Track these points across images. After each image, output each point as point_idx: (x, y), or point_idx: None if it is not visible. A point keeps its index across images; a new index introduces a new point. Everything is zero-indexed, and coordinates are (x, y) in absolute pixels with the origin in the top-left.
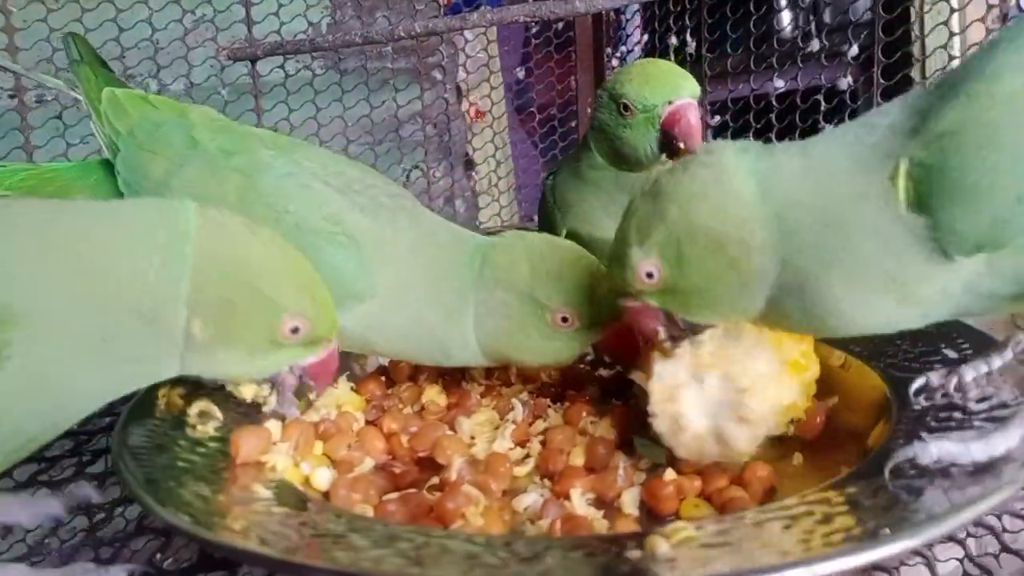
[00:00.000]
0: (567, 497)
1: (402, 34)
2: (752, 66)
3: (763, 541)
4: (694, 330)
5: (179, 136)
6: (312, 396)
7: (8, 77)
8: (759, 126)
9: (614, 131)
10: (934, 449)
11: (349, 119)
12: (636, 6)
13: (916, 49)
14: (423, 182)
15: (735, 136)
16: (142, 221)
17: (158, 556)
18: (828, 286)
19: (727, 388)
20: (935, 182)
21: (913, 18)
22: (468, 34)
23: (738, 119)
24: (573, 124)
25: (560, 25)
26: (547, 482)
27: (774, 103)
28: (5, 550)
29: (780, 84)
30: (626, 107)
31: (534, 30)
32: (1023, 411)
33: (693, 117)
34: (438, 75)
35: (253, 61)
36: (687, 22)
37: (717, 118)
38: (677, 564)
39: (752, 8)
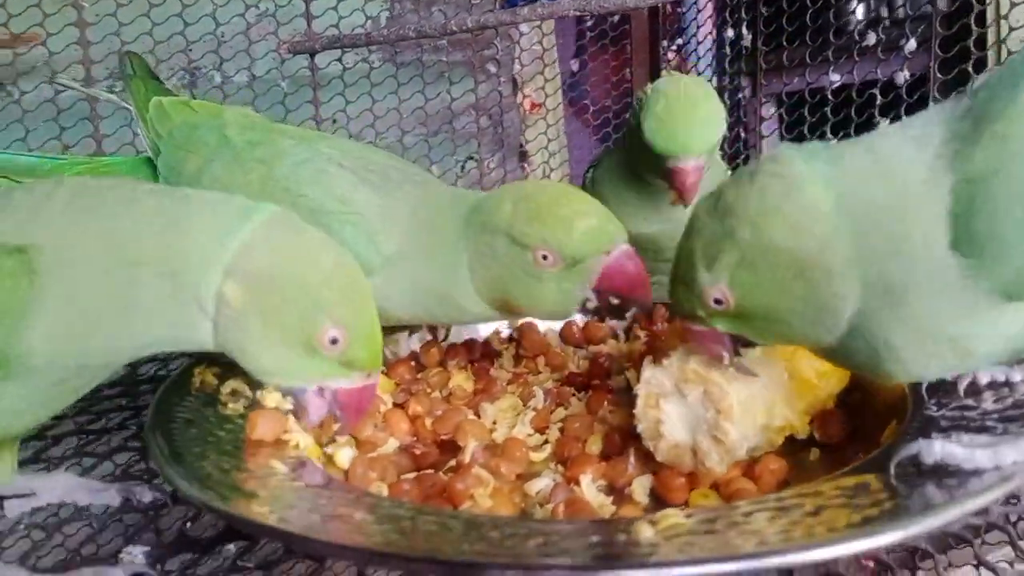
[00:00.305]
0: (577, 482)
1: (455, 28)
2: (808, 59)
3: (747, 530)
4: None
5: (212, 135)
6: (335, 429)
7: (80, 68)
8: (813, 120)
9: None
10: (938, 449)
11: (404, 111)
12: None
13: (974, 43)
14: (476, 173)
15: (789, 130)
16: (212, 200)
17: (188, 525)
18: (892, 331)
19: (706, 406)
20: (963, 227)
21: (974, 10)
22: (524, 27)
23: (792, 112)
24: (628, 117)
25: (616, 18)
26: (561, 468)
27: (829, 97)
28: (11, 545)
29: (836, 78)
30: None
31: (589, 23)
32: None
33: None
34: (492, 68)
35: (312, 54)
36: (743, 15)
37: (771, 111)
38: (658, 549)
39: (808, 1)
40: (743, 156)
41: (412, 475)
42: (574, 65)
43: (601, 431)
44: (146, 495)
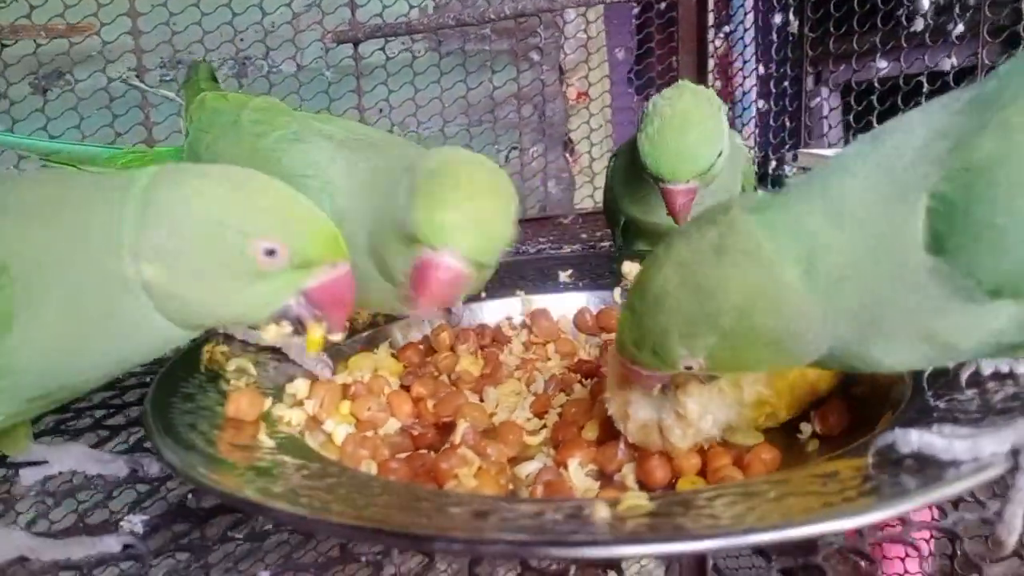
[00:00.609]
0: (565, 466)
1: (492, 16)
2: (855, 46)
3: (703, 514)
4: None
5: (228, 117)
6: (333, 337)
7: (131, 57)
8: (860, 108)
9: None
10: (914, 439)
11: (447, 100)
12: None
13: None
14: (518, 163)
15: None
16: (104, 185)
17: (190, 497)
18: (869, 349)
19: (668, 384)
20: (958, 220)
21: None
22: (570, 14)
23: (843, 97)
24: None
25: (663, 5)
26: (553, 452)
27: (876, 85)
28: (24, 511)
29: (883, 65)
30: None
31: (636, 10)
32: (1020, 420)
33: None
34: (536, 56)
35: (356, 44)
36: (790, 1)
37: (818, 100)
38: (612, 528)
39: None
40: (790, 144)
41: (405, 455)
42: (619, 53)
43: (599, 417)
44: (153, 467)
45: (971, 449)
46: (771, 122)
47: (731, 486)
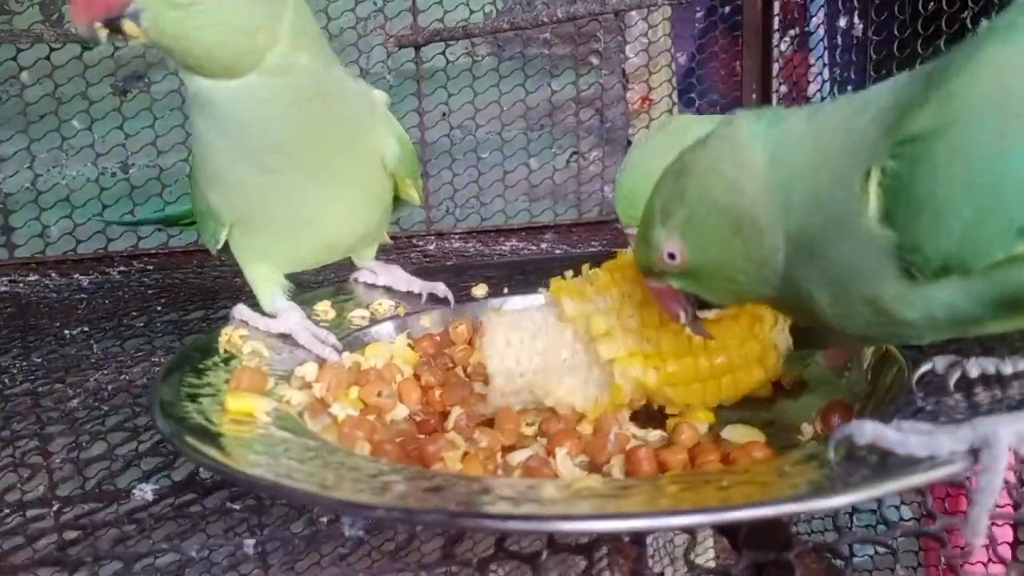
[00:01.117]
0: (553, 455)
1: (545, 20)
2: (919, 50)
3: (647, 499)
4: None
5: None
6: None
7: None
8: None
9: None
10: (869, 430)
11: (505, 104)
12: None
13: None
14: (575, 167)
15: None
16: None
17: (200, 469)
18: (815, 285)
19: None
20: (901, 193)
21: None
22: (634, 18)
23: None
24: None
25: (727, 9)
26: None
27: None
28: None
29: None
30: None
31: (700, 13)
32: (980, 421)
33: None
34: (595, 60)
35: (417, 48)
36: (855, 3)
37: None
38: (552, 506)
39: None
40: None
41: (399, 439)
42: (681, 58)
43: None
44: None
45: (927, 445)
46: None
47: (690, 474)
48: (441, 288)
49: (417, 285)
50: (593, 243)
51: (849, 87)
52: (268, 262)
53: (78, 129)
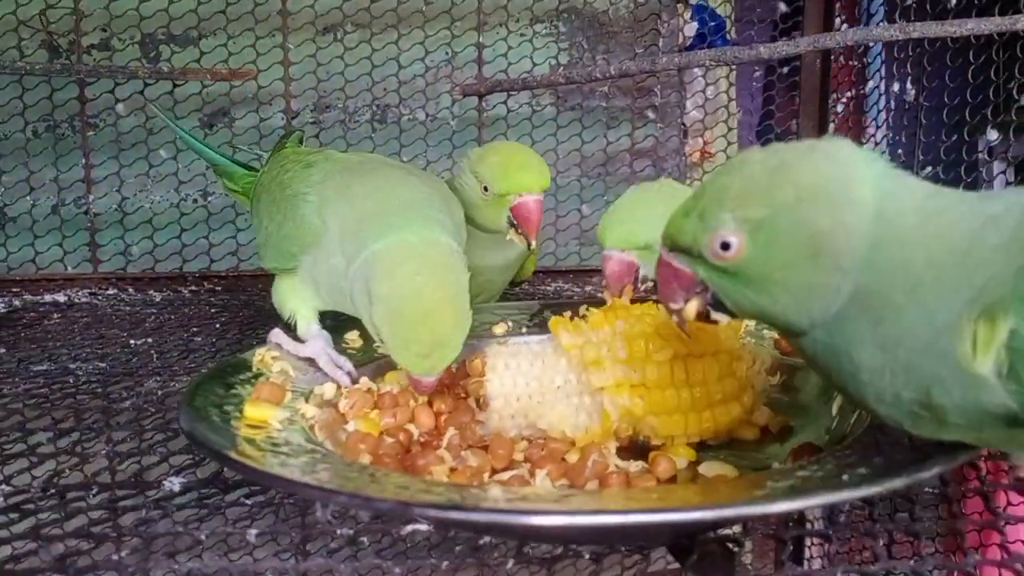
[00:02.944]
0: (533, 476)
1: (599, 76)
2: (967, 117)
3: (587, 505)
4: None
5: (280, 160)
6: None
7: (281, 100)
8: (969, 180)
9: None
10: None
11: (561, 152)
12: (870, 51)
13: None
14: None
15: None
16: None
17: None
18: (862, 348)
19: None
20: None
21: None
22: (696, 73)
23: (949, 172)
24: None
25: (786, 69)
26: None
27: (985, 157)
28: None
29: (994, 136)
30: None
31: (758, 72)
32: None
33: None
34: (651, 114)
35: (480, 96)
36: (908, 69)
37: (929, 169)
38: (493, 504)
39: (971, 57)
40: None
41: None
42: (739, 114)
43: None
44: None
45: None
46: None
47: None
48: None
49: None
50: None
51: (899, 150)
52: (311, 300)
53: (164, 158)
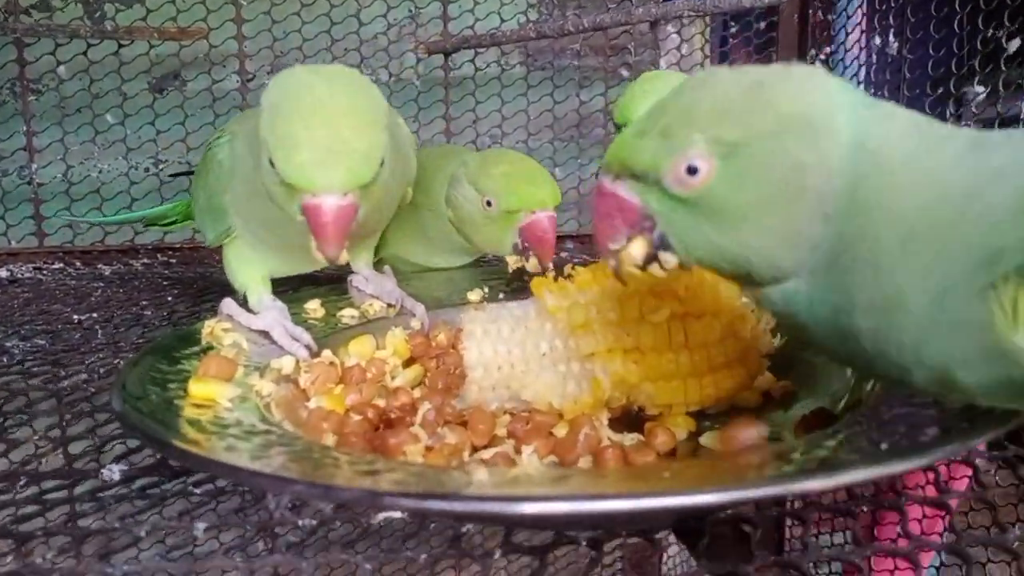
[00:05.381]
0: (519, 453)
1: (571, 29)
2: (953, 69)
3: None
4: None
5: None
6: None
7: (235, 60)
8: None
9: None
10: None
11: (532, 113)
12: (851, 3)
13: None
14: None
15: None
16: None
17: None
18: (858, 308)
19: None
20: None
21: None
22: (669, 31)
23: None
24: None
25: (762, 24)
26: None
27: (973, 109)
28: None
29: (980, 90)
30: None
31: (733, 29)
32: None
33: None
34: (625, 72)
35: (446, 55)
36: (891, 21)
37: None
38: (479, 487)
39: (957, 6)
40: None
41: (360, 431)
42: None
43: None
44: None
45: None
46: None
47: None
48: (420, 311)
49: (399, 300)
50: None
51: None
52: (260, 265)
53: (111, 123)
